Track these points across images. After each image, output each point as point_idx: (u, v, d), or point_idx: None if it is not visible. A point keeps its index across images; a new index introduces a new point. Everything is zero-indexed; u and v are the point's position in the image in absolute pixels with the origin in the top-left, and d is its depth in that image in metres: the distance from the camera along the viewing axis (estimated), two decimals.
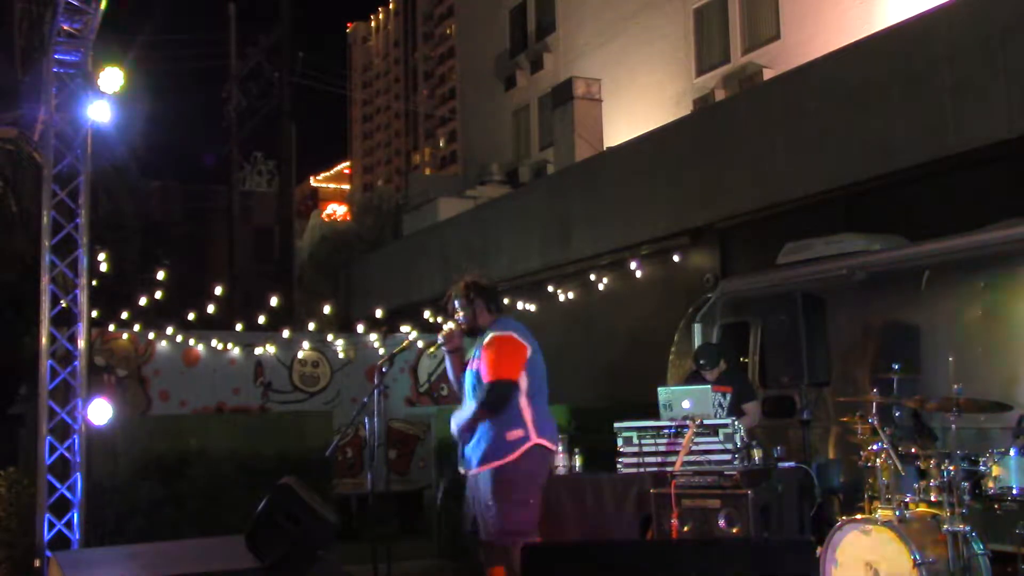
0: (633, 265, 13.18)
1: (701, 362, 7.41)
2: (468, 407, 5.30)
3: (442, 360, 12.02)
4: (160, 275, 16.45)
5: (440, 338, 5.38)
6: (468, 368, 5.35)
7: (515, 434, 5.18)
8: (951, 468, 5.38)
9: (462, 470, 5.40)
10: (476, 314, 5.36)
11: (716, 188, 12.18)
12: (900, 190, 9.92)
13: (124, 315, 12.17)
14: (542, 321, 13.72)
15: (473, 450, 5.24)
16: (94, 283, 8.85)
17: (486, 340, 5.26)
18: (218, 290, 15.68)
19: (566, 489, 6.64)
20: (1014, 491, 5.31)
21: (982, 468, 5.46)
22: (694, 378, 7.42)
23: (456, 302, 5.40)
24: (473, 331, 5.36)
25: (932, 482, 5.52)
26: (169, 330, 11.31)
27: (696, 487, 6.09)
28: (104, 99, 7.54)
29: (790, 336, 7.07)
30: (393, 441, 11.02)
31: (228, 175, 25.69)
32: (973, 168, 9.19)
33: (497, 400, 5.15)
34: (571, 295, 14.28)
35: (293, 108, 23.21)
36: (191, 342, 11.33)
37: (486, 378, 5.18)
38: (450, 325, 5.39)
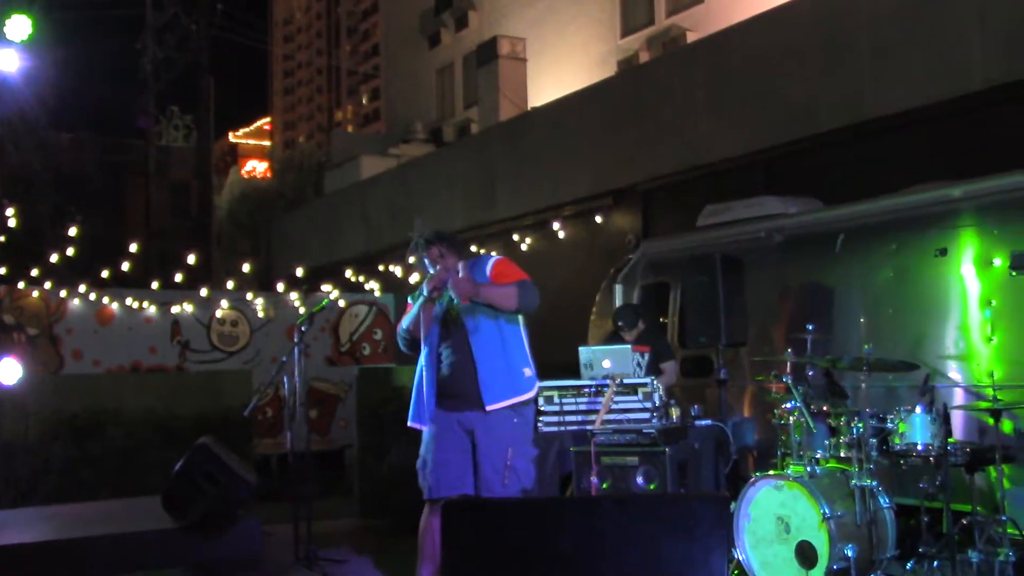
0: (556, 226, 13.22)
1: (620, 323, 7.51)
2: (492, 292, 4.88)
3: (364, 319, 11.99)
4: (72, 231, 15.96)
5: (426, 286, 4.98)
6: (453, 303, 5.01)
7: (529, 371, 5.06)
8: (860, 426, 5.54)
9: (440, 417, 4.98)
10: (456, 266, 5.11)
11: (639, 150, 12.27)
12: (818, 154, 10.10)
13: (34, 272, 11.81)
14: None
15: (486, 383, 4.89)
16: (2, 239, 8.57)
17: (489, 266, 5.09)
18: (133, 247, 15.29)
19: None
20: (919, 447, 5.50)
21: (889, 425, 5.63)
22: (613, 339, 7.51)
23: (446, 252, 5.13)
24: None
25: (842, 439, 5.69)
26: (82, 288, 11.01)
27: (615, 445, 6.18)
28: (11, 47, 7.26)
29: (708, 297, 7.13)
30: (313, 401, 10.94)
31: (144, 129, 25.01)
32: (889, 133, 9.40)
33: (532, 297, 4.95)
34: (494, 255, 14.27)
35: (211, 61, 22.63)
36: (105, 300, 11.06)
37: (514, 277, 4.99)
38: (434, 270, 5.04)
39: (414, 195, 17.11)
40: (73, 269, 13.61)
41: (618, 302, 8.77)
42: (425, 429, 5.11)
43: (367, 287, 13.39)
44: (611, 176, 12.69)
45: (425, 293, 5.02)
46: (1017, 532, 5.31)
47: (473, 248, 14.38)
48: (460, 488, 4.95)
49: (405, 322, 5.17)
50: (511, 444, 4.96)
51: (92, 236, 20.30)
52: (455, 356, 5.02)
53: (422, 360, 5.14)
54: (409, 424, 5.15)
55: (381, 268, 15.17)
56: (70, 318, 10.88)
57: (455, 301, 5.03)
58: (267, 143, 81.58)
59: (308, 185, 28.33)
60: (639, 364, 6.42)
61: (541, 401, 6.27)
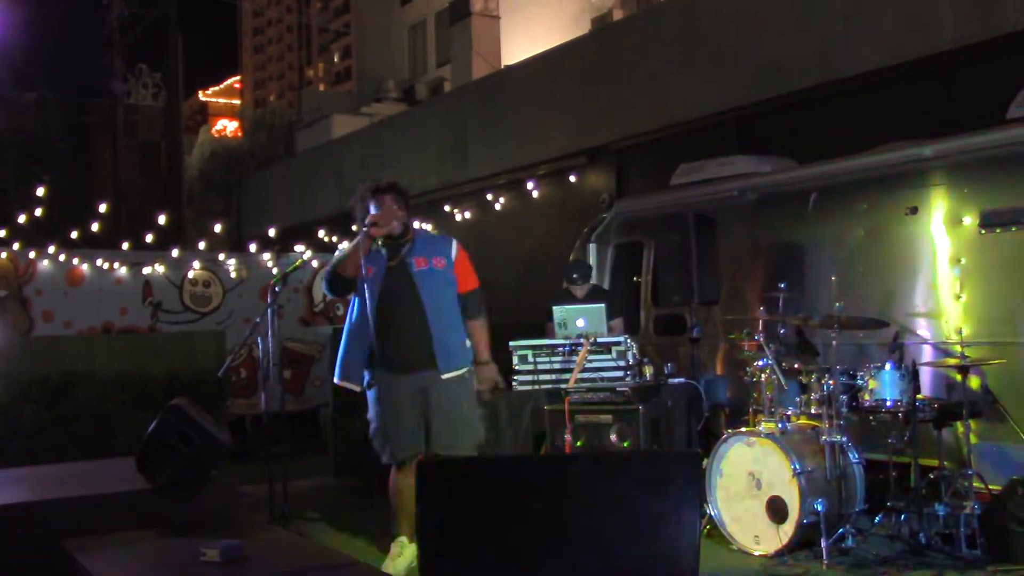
0: (530, 185, 13.17)
1: (575, 276, 7.44)
2: (446, 309, 5.11)
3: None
4: (40, 191, 15.72)
5: (368, 224, 5.01)
6: (416, 267, 5.09)
7: (467, 343, 5.23)
8: (830, 382, 5.61)
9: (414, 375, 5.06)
10: (405, 220, 5.18)
11: (613, 108, 12.21)
12: (791, 113, 10.09)
13: (2, 233, 11.64)
14: None
15: (443, 354, 5.03)
16: None
17: (454, 248, 5.22)
18: (103, 207, 15.10)
19: None
20: (887, 403, 5.57)
21: (859, 382, 5.70)
22: (565, 296, 7.40)
23: (396, 201, 5.15)
24: (398, 235, 5.13)
25: (813, 396, 5.76)
26: (51, 249, 10.87)
27: (589, 403, 6.24)
28: None
29: (681, 256, 7.17)
30: (288, 361, 10.88)
31: (111, 88, 24.63)
32: (861, 92, 9.40)
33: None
34: (468, 215, 14.23)
35: (179, 17, 22.26)
36: (75, 261, 10.93)
37: (471, 284, 5.22)
38: (375, 216, 5.06)
39: (386, 154, 16.98)
40: (41, 230, 13.44)
41: (592, 261, 8.77)
42: (369, 391, 5.10)
43: (340, 247, 13.30)
44: (585, 135, 12.64)
45: (365, 228, 4.96)
46: (982, 486, 5.40)
47: (447, 208, 14.34)
48: (418, 448, 5.01)
49: (333, 259, 5.13)
50: (465, 399, 5.10)
51: (60, 197, 20.03)
52: (403, 313, 5.02)
53: (354, 311, 5.10)
54: (337, 381, 5.14)
55: (354, 228, 15.06)
56: (39, 279, 10.75)
57: (402, 251, 5.06)
58: (237, 102, 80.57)
59: (279, 144, 28.05)
60: None
61: (515, 360, 6.32)
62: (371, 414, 5.14)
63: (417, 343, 5.01)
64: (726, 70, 10.60)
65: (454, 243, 5.29)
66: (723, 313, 7.52)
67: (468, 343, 5.21)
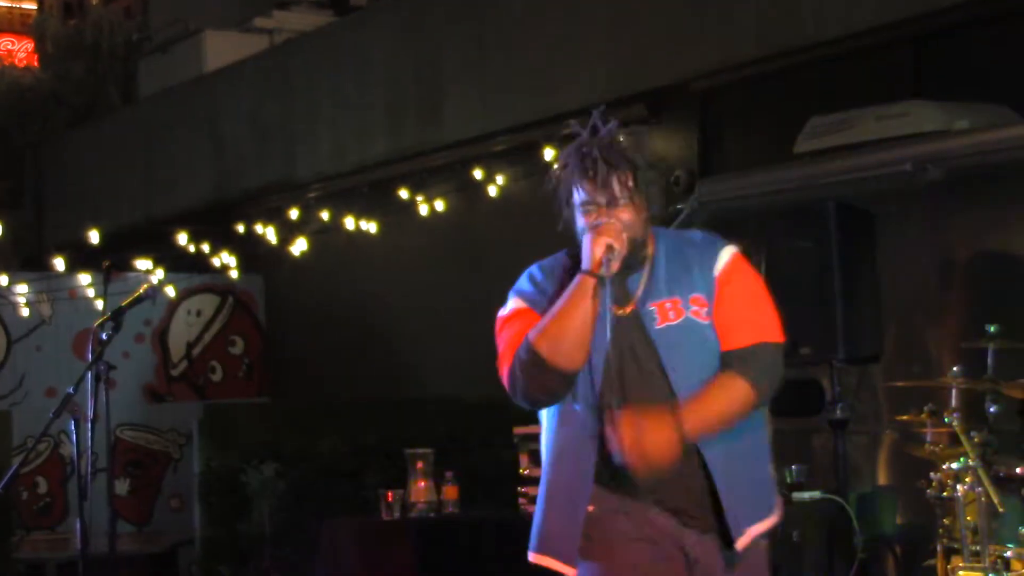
0: (548, 155, 13.13)
1: None
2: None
3: (212, 319, 11.88)
4: None
5: (597, 248, 4.14)
6: (659, 320, 4.25)
7: (771, 468, 4.56)
8: None
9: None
10: (643, 211, 4.34)
11: (694, 22, 12.19)
12: (1008, 33, 10.02)
13: None
14: (390, 250, 13.58)
15: (735, 497, 4.32)
16: None
17: (722, 259, 4.37)
18: None
19: (431, 540, 6.66)
20: None
21: None
22: None
23: (621, 175, 4.30)
24: (635, 248, 4.28)
25: None
26: None
27: None
28: None
29: (815, 277, 7.28)
30: (124, 464, 10.83)
31: None
32: None
33: (774, 377, 4.42)
34: (441, 205, 14.20)
35: None
36: None
37: (754, 337, 4.34)
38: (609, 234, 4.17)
39: (299, 100, 16.98)
40: None
41: None
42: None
43: (216, 262, 13.28)
44: (643, 68, 12.62)
45: (588, 265, 4.12)
46: None
47: (404, 194, 14.29)
48: None
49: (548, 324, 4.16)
50: None
51: None
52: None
53: (554, 423, 4.38)
54: (533, 555, 4.51)
55: (241, 228, 15.03)
56: None
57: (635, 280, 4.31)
58: (32, 6, 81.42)
59: (109, 81, 28.21)
60: None
61: (523, 461, 6.21)
62: None
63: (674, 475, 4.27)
64: None
65: (723, 252, 4.42)
66: (888, 377, 7.59)
67: (772, 470, 4.54)
